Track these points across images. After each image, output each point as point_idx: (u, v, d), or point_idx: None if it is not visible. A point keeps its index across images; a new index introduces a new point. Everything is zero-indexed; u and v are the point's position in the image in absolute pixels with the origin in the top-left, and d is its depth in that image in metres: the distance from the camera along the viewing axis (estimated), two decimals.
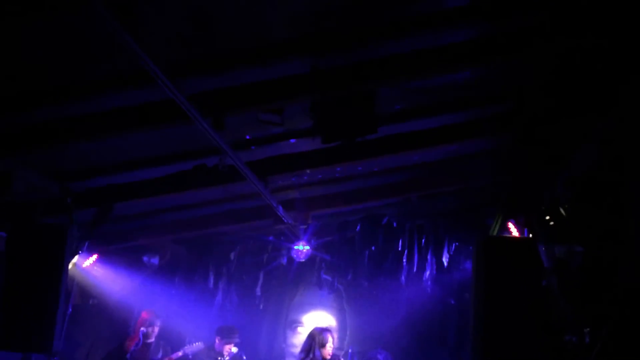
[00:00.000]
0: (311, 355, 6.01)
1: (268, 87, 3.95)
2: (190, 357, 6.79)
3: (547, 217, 4.58)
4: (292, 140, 5.01)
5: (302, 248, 7.19)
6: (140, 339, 6.62)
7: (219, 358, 6.68)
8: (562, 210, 4.49)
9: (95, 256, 6.72)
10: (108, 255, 7.04)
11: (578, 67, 3.86)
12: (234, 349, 6.68)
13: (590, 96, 4.10)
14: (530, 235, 4.85)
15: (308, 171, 5.53)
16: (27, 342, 4.93)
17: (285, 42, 3.54)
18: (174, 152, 5.06)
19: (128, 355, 6.55)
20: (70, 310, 6.54)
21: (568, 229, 4.46)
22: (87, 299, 7.49)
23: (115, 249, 7.28)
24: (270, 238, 7.87)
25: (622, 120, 3.96)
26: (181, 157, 5.10)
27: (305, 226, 6.85)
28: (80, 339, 7.58)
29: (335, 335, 8.30)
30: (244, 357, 6.86)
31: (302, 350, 6.20)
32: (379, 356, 6.47)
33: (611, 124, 4.10)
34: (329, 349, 6.11)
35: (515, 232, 5.00)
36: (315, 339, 6.11)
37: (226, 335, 6.75)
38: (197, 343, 6.89)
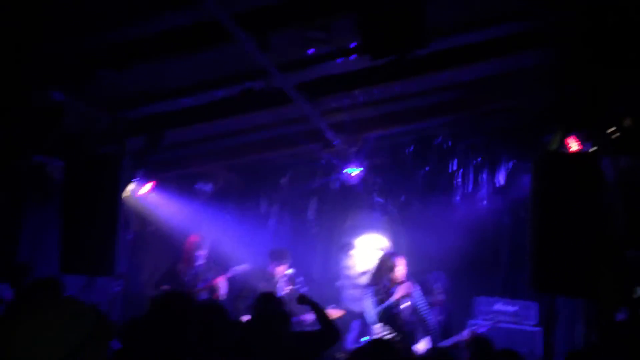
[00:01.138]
0: (381, 282, 5.88)
1: (312, 2, 3.79)
2: (237, 277, 7.00)
3: (611, 129, 4.34)
4: (340, 60, 4.86)
5: (353, 171, 7.12)
6: (189, 262, 6.85)
7: (273, 280, 6.84)
8: (627, 121, 4.24)
9: (150, 184, 6.85)
10: (163, 183, 7.17)
11: None
12: (289, 271, 6.80)
13: None
14: (593, 149, 4.63)
15: (357, 91, 5.39)
16: (90, 267, 5.16)
17: None
18: (220, 77, 5.01)
19: (185, 278, 6.80)
20: (130, 236, 6.78)
21: (634, 139, 4.23)
22: (146, 226, 7.72)
23: (169, 176, 7.41)
24: (321, 162, 7.82)
25: None
26: (228, 81, 5.05)
27: (355, 149, 6.75)
28: (143, 262, 7.90)
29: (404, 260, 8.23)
30: (299, 278, 6.98)
31: (371, 277, 6.06)
32: (429, 276, 6.45)
33: None
34: (398, 273, 5.89)
35: (576, 147, 4.77)
36: (384, 265, 5.95)
37: (277, 257, 6.87)
38: (243, 265, 7.08)
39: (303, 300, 4.66)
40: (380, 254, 6.41)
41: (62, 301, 1.61)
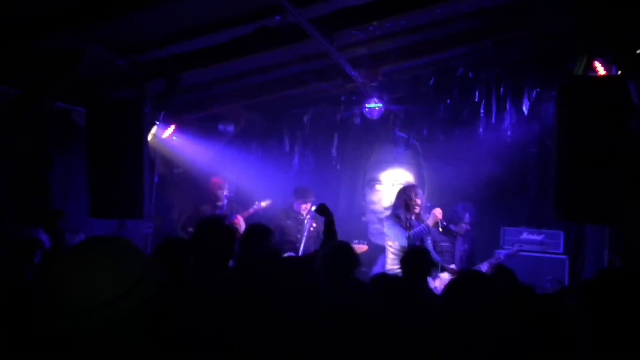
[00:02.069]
0: (403, 211, 6.08)
1: None
2: (261, 212, 7.13)
3: (638, 51, 4.19)
4: None
5: (375, 106, 7.06)
6: (213, 203, 6.98)
7: (299, 217, 6.93)
8: None
9: (173, 127, 6.91)
10: (185, 125, 7.23)
11: None
12: (314, 208, 6.88)
13: None
14: (619, 72, 4.49)
15: (375, 23, 5.26)
16: (119, 210, 5.28)
17: None
18: (235, 15, 4.93)
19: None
20: (157, 179, 6.90)
21: None
22: (171, 168, 7.84)
23: (191, 118, 7.45)
24: (342, 98, 7.76)
25: None
26: (243, 19, 4.95)
27: (375, 83, 6.66)
28: (172, 204, 8.07)
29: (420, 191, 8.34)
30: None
31: (394, 207, 6.29)
32: (458, 207, 6.48)
33: None
34: (418, 203, 6.15)
35: (602, 71, 4.63)
36: (404, 195, 6.18)
37: (301, 195, 6.95)
38: (266, 201, 7.19)
39: (322, 210, 4.80)
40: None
41: (115, 243, 1.62)
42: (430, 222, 6.01)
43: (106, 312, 1.49)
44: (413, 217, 6.09)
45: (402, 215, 6.05)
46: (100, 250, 1.55)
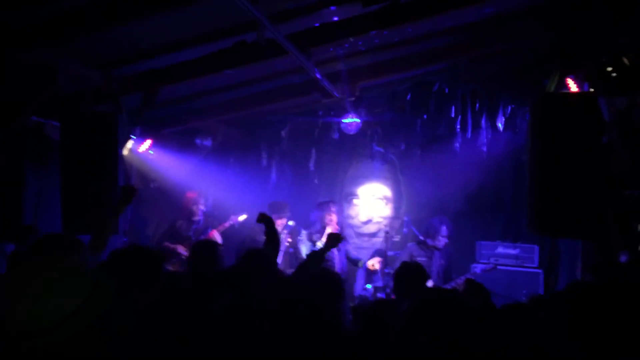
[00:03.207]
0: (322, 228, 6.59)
1: None
2: (237, 226, 7.12)
3: (609, 69, 4.28)
4: (332, 8, 4.77)
5: (352, 121, 7.10)
6: (189, 218, 6.94)
7: None
8: (625, 60, 4.18)
9: (149, 141, 6.86)
10: (162, 139, 7.18)
11: None
12: (291, 222, 6.87)
13: None
14: (591, 89, 4.58)
15: (351, 39, 5.30)
16: (93, 225, 5.19)
17: None
18: (212, 30, 4.93)
19: (185, 234, 6.89)
20: None
21: (631, 78, 4.18)
22: (147, 183, 7.76)
23: (168, 133, 7.41)
24: (320, 113, 7.80)
25: None
26: (220, 35, 4.96)
27: (353, 98, 6.70)
28: (147, 219, 7.99)
29: (391, 205, 8.44)
30: (302, 230, 7.06)
31: (315, 224, 6.72)
32: (434, 220, 6.53)
33: None
34: (334, 219, 6.72)
35: (574, 88, 4.72)
36: (324, 212, 6.69)
37: (276, 210, 6.94)
38: (242, 215, 7.18)
39: (262, 218, 4.74)
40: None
41: (61, 263, 1.60)
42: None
43: (62, 331, 1.47)
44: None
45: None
46: (47, 270, 1.53)
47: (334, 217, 6.70)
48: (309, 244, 6.59)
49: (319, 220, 6.73)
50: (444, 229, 6.40)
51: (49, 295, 1.49)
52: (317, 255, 4.52)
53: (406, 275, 4.08)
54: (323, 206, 6.80)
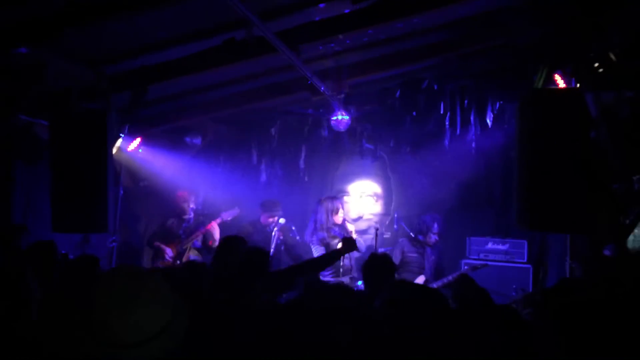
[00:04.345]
0: (327, 223, 6.36)
1: None
2: (228, 223, 7.10)
3: (596, 65, 4.32)
4: (322, 5, 4.78)
5: (341, 118, 7.11)
6: (180, 216, 6.95)
7: (266, 230, 6.92)
8: (612, 56, 4.22)
9: (138, 139, 6.84)
10: (151, 137, 7.17)
11: None
12: (282, 220, 6.87)
13: None
14: (578, 85, 4.62)
15: (340, 37, 5.30)
16: (83, 224, 5.19)
17: None
18: (201, 28, 4.93)
19: (177, 232, 6.90)
20: (122, 192, 6.81)
21: (618, 74, 4.22)
22: (137, 181, 7.74)
23: (157, 131, 7.39)
24: (310, 111, 7.80)
25: None
26: (209, 33, 4.97)
27: (342, 95, 6.71)
28: (137, 217, 7.97)
29: (381, 202, 8.47)
30: (293, 228, 7.07)
31: (317, 220, 6.45)
32: (426, 217, 6.55)
33: None
34: (340, 215, 6.46)
35: (562, 84, 4.76)
36: (328, 207, 6.42)
37: (268, 208, 6.95)
38: (233, 210, 7.16)
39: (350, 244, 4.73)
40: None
41: (150, 280, 1.60)
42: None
43: (155, 345, 1.49)
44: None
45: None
46: (142, 282, 1.55)
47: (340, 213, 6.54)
48: (321, 248, 6.34)
49: (325, 216, 6.46)
50: (435, 226, 6.44)
51: (142, 309, 1.50)
52: (332, 258, 4.70)
53: (375, 267, 4.14)
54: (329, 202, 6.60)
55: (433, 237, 6.44)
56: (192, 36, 4.94)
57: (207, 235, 6.95)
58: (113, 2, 4.13)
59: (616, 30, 4.44)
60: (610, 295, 2.38)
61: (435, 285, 6.15)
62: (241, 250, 4.10)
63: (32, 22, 4.27)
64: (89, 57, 5.21)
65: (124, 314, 1.48)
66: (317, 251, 6.32)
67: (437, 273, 6.45)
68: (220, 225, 7.06)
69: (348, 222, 6.71)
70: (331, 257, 4.78)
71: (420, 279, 6.20)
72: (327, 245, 6.27)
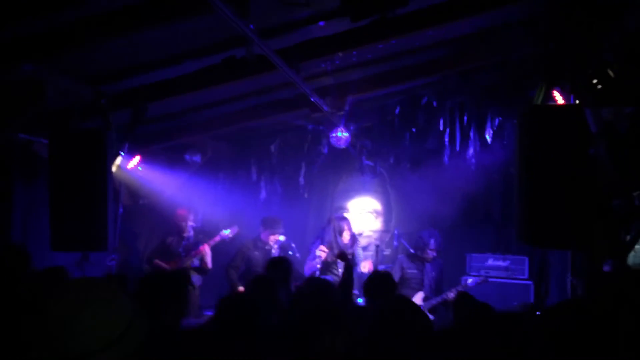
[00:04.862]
0: (334, 242, 6.48)
1: None
2: (228, 240, 7.07)
3: (595, 81, 4.33)
4: (321, 23, 4.81)
5: (341, 135, 7.12)
6: (179, 234, 6.92)
7: (266, 247, 6.88)
8: (610, 72, 4.23)
9: (138, 157, 6.84)
10: (151, 155, 7.16)
11: None
12: (282, 238, 6.85)
13: None
14: (577, 101, 4.63)
15: (340, 54, 5.34)
16: (82, 243, 5.17)
17: None
18: (201, 46, 4.96)
19: (176, 250, 6.86)
20: (121, 210, 6.79)
21: (617, 90, 4.23)
22: (136, 199, 7.72)
23: (157, 149, 7.39)
24: (309, 127, 7.81)
25: None
26: (209, 51, 4.99)
27: (342, 112, 6.73)
28: (137, 236, 7.94)
29: (381, 219, 8.46)
30: (292, 245, 7.04)
31: (324, 239, 6.56)
32: (423, 233, 6.54)
33: None
34: (346, 235, 6.59)
35: (560, 100, 4.77)
36: (335, 227, 6.55)
37: (270, 226, 6.90)
38: (232, 228, 7.13)
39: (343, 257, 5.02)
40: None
41: (106, 287, 1.61)
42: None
43: (107, 355, 1.48)
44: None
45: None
46: (97, 292, 1.55)
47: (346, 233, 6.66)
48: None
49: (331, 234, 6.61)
50: (432, 242, 6.41)
51: (96, 318, 1.49)
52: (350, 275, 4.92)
53: (375, 282, 4.40)
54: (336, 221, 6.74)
55: (430, 253, 6.42)
56: (192, 54, 4.96)
57: (203, 257, 6.92)
58: (113, 21, 4.15)
59: (610, 45, 4.46)
60: (608, 312, 2.37)
61: (434, 302, 6.14)
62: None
63: (33, 40, 4.29)
64: (89, 75, 5.22)
65: (74, 325, 1.47)
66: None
67: (437, 289, 6.41)
68: (220, 242, 7.03)
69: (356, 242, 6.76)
70: (350, 275, 4.92)
71: (419, 296, 6.18)
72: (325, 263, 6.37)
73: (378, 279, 4.46)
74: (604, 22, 4.36)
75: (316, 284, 3.97)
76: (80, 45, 4.39)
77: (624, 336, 2.17)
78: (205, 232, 7.35)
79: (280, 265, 4.92)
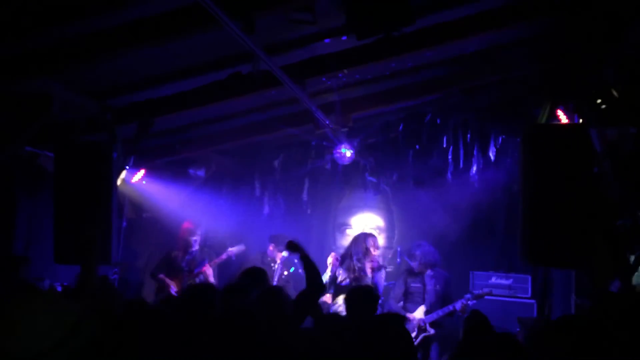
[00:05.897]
0: (362, 257, 6.17)
1: None
2: (234, 258, 7.03)
3: (599, 101, 4.35)
4: (327, 40, 4.85)
5: (345, 151, 7.13)
6: (184, 248, 6.89)
7: (272, 264, 6.88)
8: (614, 92, 4.25)
9: (142, 171, 6.86)
10: (155, 169, 7.18)
11: None
12: (284, 253, 6.84)
13: None
14: (581, 120, 4.65)
15: (345, 71, 5.37)
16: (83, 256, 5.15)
17: None
18: (207, 61, 4.99)
19: (181, 264, 6.84)
20: (125, 224, 6.80)
21: (621, 110, 4.25)
22: (140, 213, 7.74)
23: (161, 163, 7.42)
24: (313, 143, 7.83)
25: None
26: (215, 66, 5.03)
27: (346, 129, 6.75)
28: (139, 249, 7.93)
29: (384, 235, 8.45)
30: (295, 261, 7.02)
31: (350, 255, 6.27)
32: (412, 245, 6.52)
33: None
34: (375, 251, 6.32)
35: (564, 119, 4.79)
36: (360, 244, 6.25)
37: (279, 243, 6.88)
38: (239, 245, 7.09)
39: (293, 247, 4.71)
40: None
41: (45, 296, 1.67)
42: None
43: (60, 352, 1.54)
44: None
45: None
46: (33, 302, 1.61)
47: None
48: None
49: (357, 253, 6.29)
50: (418, 253, 6.38)
51: (35, 325, 1.54)
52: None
53: (356, 297, 4.38)
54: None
55: (417, 265, 6.37)
56: (198, 70, 5.00)
57: (206, 275, 6.89)
58: (120, 36, 4.18)
59: (612, 65, 4.49)
60: (611, 331, 2.36)
61: (435, 315, 6.10)
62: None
63: (41, 54, 4.33)
64: (95, 89, 5.26)
65: (11, 332, 1.52)
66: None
67: (443, 302, 6.32)
68: (227, 260, 7.00)
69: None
70: (309, 266, 4.60)
71: (420, 309, 6.16)
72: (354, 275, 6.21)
73: (359, 292, 4.46)
74: (606, 43, 4.39)
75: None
76: (87, 60, 4.43)
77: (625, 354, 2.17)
78: (209, 246, 7.34)
79: (253, 274, 4.81)
